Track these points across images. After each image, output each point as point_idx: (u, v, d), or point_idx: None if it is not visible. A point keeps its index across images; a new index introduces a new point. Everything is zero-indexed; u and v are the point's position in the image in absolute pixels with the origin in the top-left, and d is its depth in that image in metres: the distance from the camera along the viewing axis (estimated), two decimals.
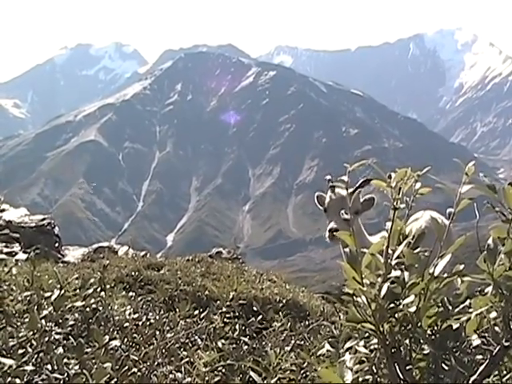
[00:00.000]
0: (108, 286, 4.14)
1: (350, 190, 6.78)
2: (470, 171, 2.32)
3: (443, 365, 2.23)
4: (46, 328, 3.01)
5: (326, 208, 6.75)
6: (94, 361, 2.82)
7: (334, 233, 6.41)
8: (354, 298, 2.26)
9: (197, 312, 4.37)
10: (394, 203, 2.39)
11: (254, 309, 4.84)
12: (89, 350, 2.94)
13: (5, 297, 3.58)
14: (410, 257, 2.30)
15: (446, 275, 2.25)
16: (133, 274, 9.69)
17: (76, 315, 3.54)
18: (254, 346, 4.01)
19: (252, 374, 2.84)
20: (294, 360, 3.29)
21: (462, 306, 2.26)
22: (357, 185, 6.39)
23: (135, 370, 3.09)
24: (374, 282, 2.26)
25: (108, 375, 2.53)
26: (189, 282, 9.52)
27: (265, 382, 2.89)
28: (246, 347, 3.88)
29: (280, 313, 4.66)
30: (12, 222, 15.05)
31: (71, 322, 3.38)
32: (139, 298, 5.55)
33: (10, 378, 2.55)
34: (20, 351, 2.87)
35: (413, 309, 2.21)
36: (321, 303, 10.44)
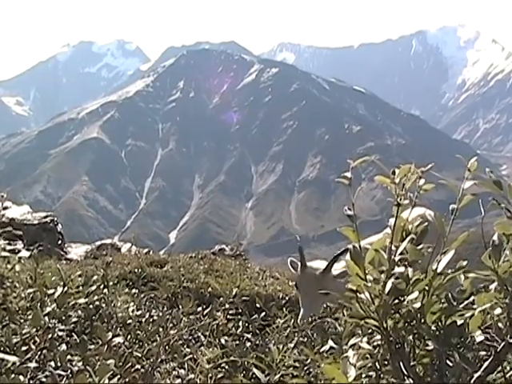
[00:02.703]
0: (111, 283, 4.15)
1: (323, 269, 6.36)
2: (472, 167, 2.32)
3: (447, 361, 2.23)
4: (50, 325, 3.01)
5: (296, 285, 6.33)
6: (97, 357, 2.82)
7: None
8: (358, 294, 2.26)
9: (200, 309, 4.37)
10: (398, 199, 2.39)
11: (257, 305, 4.84)
12: (92, 346, 2.95)
13: (8, 294, 3.58)
14: (413, 253, 2.30)
15: (449, 271, 2.25)
16: (136, 271, 9.69)
17: (79, 312, 3.55)
18: (257, 342, 4.01)
19: (255, 370, 2.85)
20: (297, 356, 3.29)
21: (465, 302, 2.27)
22: (329, 262, 6.06)
23: (138, 366, 3.09)
24: (378, 278, 2.26)
25: (111, 372, 2.53)
26: (192, 279, 9.52)
27: (268, 378, 2.89)
28: (249, 344, 3.88)
29: (283, 309, 4.66)
30: (15, 219, 15.05)
31: (74, 319, 3.39)
32: (142, 295, 5.55)
33: (13, 375, 2.56)
34: (23, 348, 2.87)
35: (417, 305, 2.21)
36: None
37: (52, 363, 2.80)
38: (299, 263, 6.19)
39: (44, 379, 2.69)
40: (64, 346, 2.96)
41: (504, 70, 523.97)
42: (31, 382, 2.66)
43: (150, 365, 3.22)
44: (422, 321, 2.22)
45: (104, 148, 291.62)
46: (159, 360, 3.32)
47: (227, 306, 4.51)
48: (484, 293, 2.19)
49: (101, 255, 13.48)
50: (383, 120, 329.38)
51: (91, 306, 3.67)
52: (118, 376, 2.80)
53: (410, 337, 2.27)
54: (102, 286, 3.88)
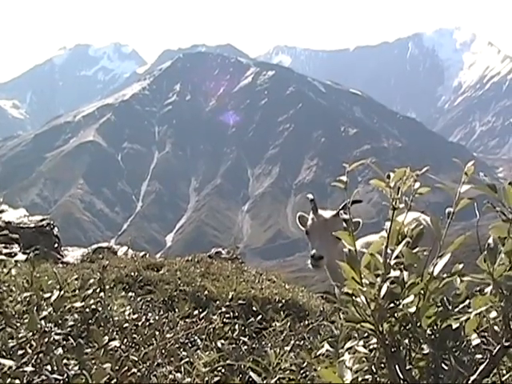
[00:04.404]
0: (107, 287, 4.14)
1: (334, 213, 6.73)
2: (469, 171, 2.32)
3: (443, 364, 2.23)
4: (46, 329, 3.01)
5: (307, 230, 6.50)
6: (93, 361, 2.82)
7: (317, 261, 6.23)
8: (354, 297, 2.26)
9: (196, 312, 4.36)
10: (393, 203, 2.39)
11: (254, 309, 4.83)
12: (88, 350, 2.94)
13: (4, 298, 3.58)
14: (409, 256, 2.30)
15: (445, 275, 2.25)
16: (132, 274, 9.68)
17: (75, 316, 3.54)
18: (254, 346, 4.01)
19: (252, 374, 2.84)
20: (293, 360, 3.28)
21: (461, 305, 2.27)
22: (340, 207, 6.28)
23: (135, 370, 3.08)
24: (374, 281, 2.26)
25: (108, 376, 2.53)
26: (188, 283, 9.51)
27: (264, 382, 2.89)
28: (245, 347, 3.88)
29: (279, 313, 4.66)
30: (11, 222, 15.05)
31: (71, 323, 3.38)
32: (139, 299, 5.55)
33: (9, 379, 2.55)
34: (20, 352, 2.86)
35: (412, 309, 2.21)
36: (320, 303, 10.45)
37: (48, 367, 2.79)
38: (310, 212, 6.48)
39: (40, 383, 2.69)
40: (60, 350, 2.95)
41: (500, 73, 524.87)
42: None
43: (147, 368, 3.22)
44: (418, 324, 2.23)
45: (100, 151, 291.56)
46: (156, 364, 3.32)
47: (224, 309, 4.51)
48: (479, 296, 2.19)
49: (97, 258, 13.46)
50: (379, 123, 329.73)
51: (87, 310, 3.66)
52: (115, 380, 2.80)
53: (406, 340, 2.27)
54: (98, 290, 3.88)
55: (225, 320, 4.31)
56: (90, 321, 3.66)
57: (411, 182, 2.38)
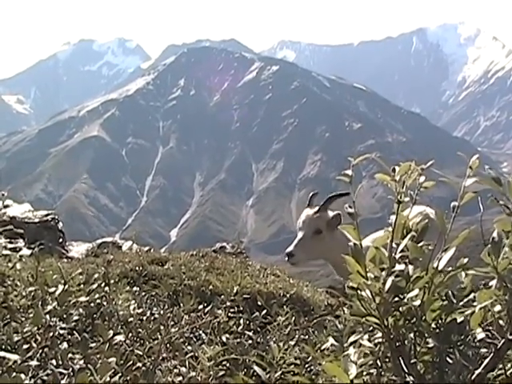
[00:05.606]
0: (112, 281, 4.14)
1: (315, 209, 6.64)
2: (474, 165, 2.32)
3: (448, 358, 2.23)
4: (51, 323, 3.01)
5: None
6: (98, 356, 2.82)
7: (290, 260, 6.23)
8: (359, 291, 2.26)
9: (201, 307, 4.37)
10: (398, 197, 2.39)
11: (258, 303, 4.83)
12: (93, 345, 2.94)
13: (9, 292, 3.59)
14: (414, 250, 2.30)
15: (450, 269, 2.25)
16: (137, 269, 9.68)
17: (80, 310, 3.55)
18: (258, 340, 4.01)
19: (256, 368, 2.84)
20: (298, 354, 3.29)
21: (466, 299, 2.27)
22: (321, 204, 6.23)
23: (140, 364, 3.08)
24: (379, 275, 2.26)
25: (112, 370, 2.53)
26: (193, 277, 9.50)
27: (269, 376, 2.89)
28: (250, 341, 3.87)
29: (284, 307, 4.66)
30: (16, 217, 15.04)
31: (75, 317, 3.39)
32: (143, 293, 5.55)
33: (14, 374, 2.56)
34: (25, 346, 2.87)
35: (417, 302, 2.21)
36: (325, 297, 10.43)
37: (53, 361, 2.80)
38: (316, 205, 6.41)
39: (45, 377, 2.69)
40: (65, 345, 2.95)
41: (504, 68, 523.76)
42: (32, 380, 2.66)
43: (152, 363, 3.22)
44: (423, 318, 2.23)
45: (104, 146, 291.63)
46: (160, 358, 3.32)
47: (228, 303, 4.52)
48: (484, 290, 2.19)
49: (102, 253, 13.45)
50: (384, 117, 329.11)
51: (92, 304, 3.66)
52: (120, 374, 2.80)
53: (411, 334, 2.27)
54: (103, 284, 3.88)
55: (229, 314, 4.31)
56: (94, 315, 3.66)
57: (416, 176, 2.38)
